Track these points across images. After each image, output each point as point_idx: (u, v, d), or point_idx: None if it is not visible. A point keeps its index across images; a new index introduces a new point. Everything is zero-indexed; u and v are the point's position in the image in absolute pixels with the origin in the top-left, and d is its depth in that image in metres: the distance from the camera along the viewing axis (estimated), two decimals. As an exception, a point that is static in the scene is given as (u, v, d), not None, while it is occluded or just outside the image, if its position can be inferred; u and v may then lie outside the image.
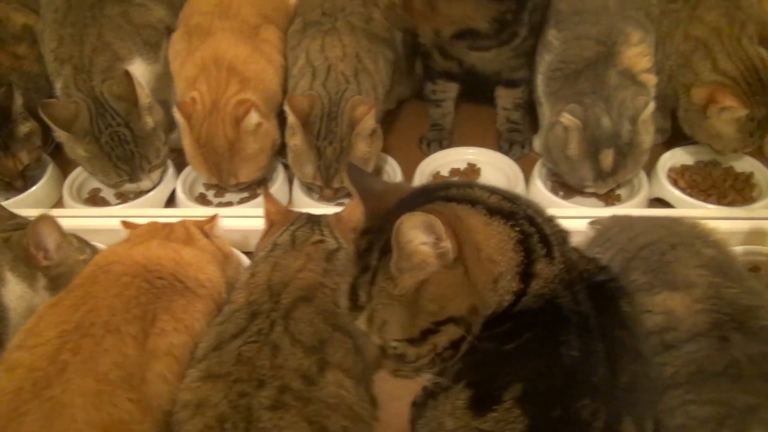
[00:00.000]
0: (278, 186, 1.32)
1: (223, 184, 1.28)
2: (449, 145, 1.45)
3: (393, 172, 1.35)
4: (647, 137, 1.18)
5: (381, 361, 0.68)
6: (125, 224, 1.00)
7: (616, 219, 0.95)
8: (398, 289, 0.61)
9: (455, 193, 0.66)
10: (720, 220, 1.15)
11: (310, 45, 1.30)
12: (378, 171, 1.35)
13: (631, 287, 0.79)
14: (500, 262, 0.61)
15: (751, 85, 1.19)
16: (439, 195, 0.66)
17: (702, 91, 1.20)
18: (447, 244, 0.59)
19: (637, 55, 1.20)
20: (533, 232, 0.64)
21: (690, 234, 0.86)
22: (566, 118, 1.14)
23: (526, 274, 0.62)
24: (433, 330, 0.62)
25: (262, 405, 0.72)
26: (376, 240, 0.64)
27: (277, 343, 0.77)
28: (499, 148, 1.43)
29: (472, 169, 1.38)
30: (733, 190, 1.29)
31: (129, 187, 1.30)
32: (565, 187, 1.30)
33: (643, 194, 1.26)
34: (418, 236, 0.59)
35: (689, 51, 1.26)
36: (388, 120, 1.59)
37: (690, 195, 1.27)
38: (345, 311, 0.66)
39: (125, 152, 1.24)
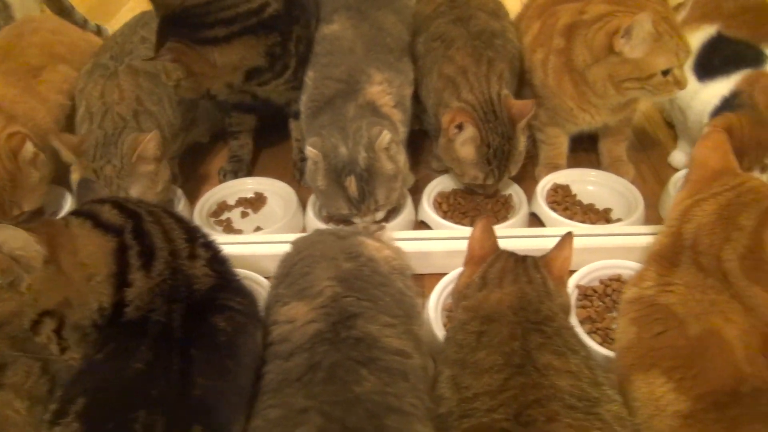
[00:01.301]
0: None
1: (6, 217, 1.30)
2: (246, 176, 1.54)
3: (178, 203, 1.42)
4: (389, 164, 1.23)
5: None
6: None
7: (317, 233, 1.02)
8: (23, 288, 0.74)
9: (83, 208, 0.80)
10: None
11: (91, 91, 1.36)
12: (169, 203, 1.42)
13: (273, 299, 0.88)
14: (91, 266, 0.75)
15: (486, 114, 1.30)
16: (76, 209, 0.81)
17: (446, 115, 1.30)
18: (38, 248, 0.73)
19: (380, 92, 1.29)
20: (134, 245, 0.76)
21: (341, 249, 0.90)
22: (309, 151, 1.22)
23: (120, 282, 0.74)
24: (38, 321, 0.75)
25: None
26: None
27: (-48, 369, 0.85)
28: (294, 176, 1.53)
29: (259, 198, 1.47)
30: (491, 212, 1.41)
31: None
32: (337, 214, 1.38)
33: (403, 217, 1.35)
34: (8, 244, 0.71)
35: (441, 89, 1.36)
36: (200, 153, 1.68)
37: (449, 217, 1.38)
38: None
39: None
